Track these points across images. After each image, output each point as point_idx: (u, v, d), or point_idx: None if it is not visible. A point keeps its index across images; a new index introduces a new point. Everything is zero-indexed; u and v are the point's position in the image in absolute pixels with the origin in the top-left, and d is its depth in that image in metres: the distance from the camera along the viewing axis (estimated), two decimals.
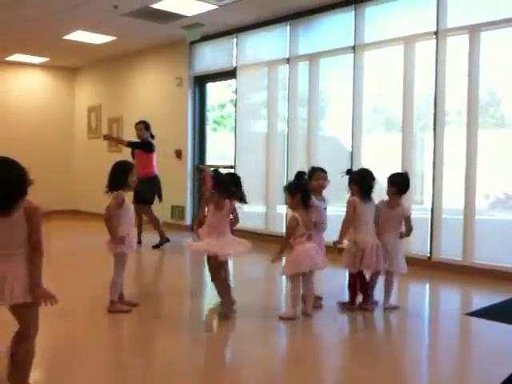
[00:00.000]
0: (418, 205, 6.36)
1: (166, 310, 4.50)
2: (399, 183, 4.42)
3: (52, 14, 7.40)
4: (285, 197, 4.77)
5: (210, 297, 4.76)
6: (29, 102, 11.17)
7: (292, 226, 4.00)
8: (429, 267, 5.98)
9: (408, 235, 4.45)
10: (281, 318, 4.02)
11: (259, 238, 7.35)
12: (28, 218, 2.48)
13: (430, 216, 6.06)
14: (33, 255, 2.51)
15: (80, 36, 8.58)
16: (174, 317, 4.15)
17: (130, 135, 8.14)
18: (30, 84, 11.25)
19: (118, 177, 4.13)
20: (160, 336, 3.73)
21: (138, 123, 7.61)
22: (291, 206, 4.12)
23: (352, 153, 6.75)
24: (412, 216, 6.18)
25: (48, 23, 7.85)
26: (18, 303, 2.46)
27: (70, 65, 11.37)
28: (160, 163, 8.62)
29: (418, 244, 6.17)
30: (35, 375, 2.88)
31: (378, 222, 4.37)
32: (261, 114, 8.17)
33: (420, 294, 5.37)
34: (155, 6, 6.91)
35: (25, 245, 2.49)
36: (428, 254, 6.08)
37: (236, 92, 8.30)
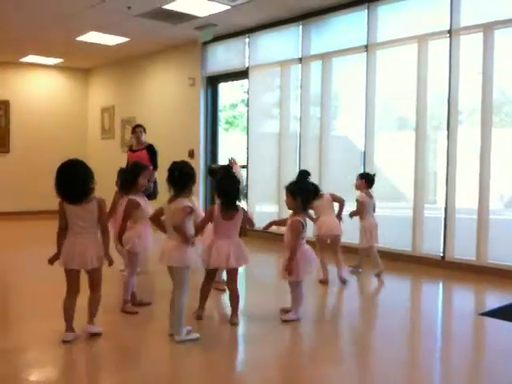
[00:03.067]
0: (431, 204, 6.33)
1: None
2: (371, 179, 5.45)
3: (66, 16, 7.47)
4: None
5: (222, 298, 4.77)
6: (43, 103, 11.27)
7: (300, 229, 3.93)
8: (442, 267, 5.95)
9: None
10: (284, 321, 3.99)
11: (272, 238, 7.35)
12: (99, 206, 3.45)
13: (443, 216, 6.03)
14: (103, 233, 3.51)
15: (93, 37, 8.65)
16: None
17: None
18: (44, 85, 11.35)
19: (129, 179, 4.22)
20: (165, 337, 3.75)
21: (138, 126, 7.57)
22: (290, 207, 4.05)
23: (365, 152, 6.73)
24: (425, 216, 6.21)
25: (62, 25, 7.92)
26: (93, 267, 3.46)
27: (84, 66, 11.46)
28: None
29: (431, 244, 6.14)
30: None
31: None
32: (273, 114, 8.18)
33: (433, 293, 5.34)
34: (168, 6, 6.95)
35: (96, 226, 3.47)
36: (441, 254, 6.05)
37: (248, 92, 8.32)
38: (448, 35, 5.93)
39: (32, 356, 3.40)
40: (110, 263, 3.56)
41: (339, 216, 5.25)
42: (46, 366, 3.28)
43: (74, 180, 3.37)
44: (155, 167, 7.11)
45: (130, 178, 4.24)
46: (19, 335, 3.80)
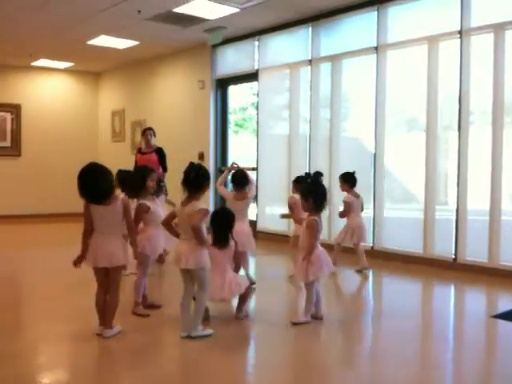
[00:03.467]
0: (442, 206, 6.29)
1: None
2: (349, 178, 5.69)
3: (77, 20, 7.52)
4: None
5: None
6: (54, 107, 11.35)
7: (316, 228, 3.92)
8: (454, 269, 5.90)
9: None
10: (294, 324, 3.95)
11: (282, 240, 7.35)
12: (124, 206, 3.59)
13: (454, 217, 5.99)
14: (130, 233, 3.68)
15: (104, 41, 8.70)
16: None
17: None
18: (55, 89, 11.43)
19: (137, 182, 4.25)
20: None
21: (148, 129, 7.59)
22: (304, 209, 4.07)
23: (375, 154, 6.71)
24: (436, 217, 6.17)
25: (73, 29, 7.97)
26: (117, 265, 3.59)
27: (94, 69, 11.53)
28: (182, 166, 8.68)
29: (442, 246, 6.10)
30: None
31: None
32: (282, 116, 8.18)
33: (445, 296, 5.30)
34: (178, 10, 6.98)
35: (120, 226, 3.61)
36: (453, 256, 6.01)
37: (258, 94, 8.32)
38: (459, 36, 5.90)
39: (44, 358, 3.42)
40: (139, 262, 4.00)
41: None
42: (57, 367, 3.30)
43: (96, 180, 3.50)
44: (165, 169, 7.16)
45: (139, 181, 4.26)
46: (31, 337, 3.82)
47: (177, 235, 3.72)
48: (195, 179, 3.61)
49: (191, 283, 3.70)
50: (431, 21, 6.14)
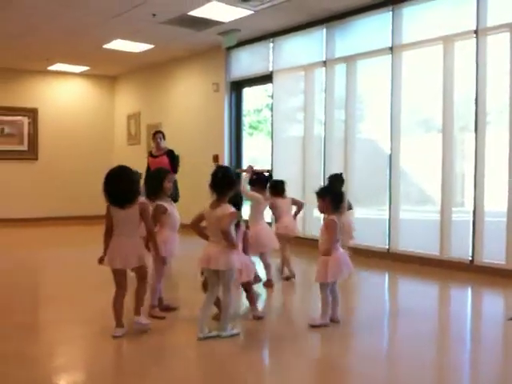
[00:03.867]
0: (459, 207, 6.23)
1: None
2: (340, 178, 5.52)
3: (92, 24, 7.59)
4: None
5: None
6: (70, 110, 11.47)
7: (335, 228, 3.89)
8: (471, 271, 5.84)
9: None
10: (312, 326, 3.93)
11: (296, 242, 7.33)
12: (141, 211, 3.67)
13: (471, 219, 5.93)
14: (149, 237, 3.81)
15: (119, 45, 8.77)
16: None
17: (169, 141, 8.25)
18: (71, 92, 11.55)
19: (154, 184, 4.27)
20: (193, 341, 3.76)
21: (157, 133, 7.67)
22: (321, 210, 4.05)
23: (391, 155, 6.67)
24: (453, 219, 6.11)
25: (88, 33, 8.05)
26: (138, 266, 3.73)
27: (110, 73, 11.62)
28: (197, 168, 8.71)
29: (459, 248, 6.04)
30: None
31: None
32: (297, 118, 8.17)
33: (462, 298, 5.24)
34: (192, 13, 7.01)
35: (137, 228, 3.71)
36: (470, 258, 5.94)
37: (272, 96, 8.32)
38: (474, 35, 5.84)
39: (61, 360, 3.45)
40: (163, 262, 4.07)
41: (295, 216, 5.76)
42: (74, 369, 3.32)
43: (120, 184, 3.62)
44: (175, 172, 7.19)
45: (156, 183, 4.28)
46: (49, 338, 3.86)
47: (206, 237, 3.75)
48: (222, 180, 3.65)
49: (217, 285, 3.72)
50: (446, 20, 6.09)
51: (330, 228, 3.91)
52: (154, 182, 4.31)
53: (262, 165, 8.73)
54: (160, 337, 3.81)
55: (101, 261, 3.73)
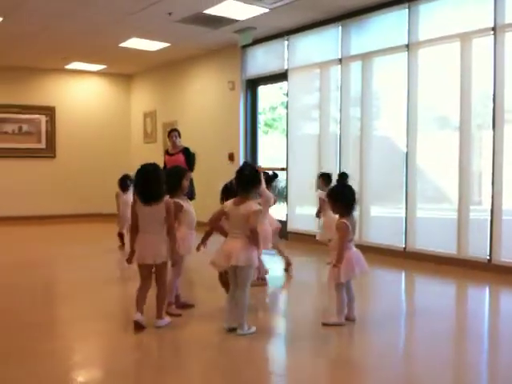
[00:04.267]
0: (476, 205, 6.16)
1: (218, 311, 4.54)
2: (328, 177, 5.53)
3: (109, 23, 7.64)
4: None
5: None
6: (87, 109, 11.56)
7: (345, 230, 3.88)
8: (488, 270, 5.78)
9: None
10: (324, 325, 3.93)
11: (311, 241, 7.32)
12: (167, 208, 3.78)
13: (489, 217, 5.87)
14: (169, 233, 3.81)
15: (135, 43, 8.82)
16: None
17: (185, 139, 8.29)
18: (88, 91, 11.65)
19: (172, 182, 4.25)
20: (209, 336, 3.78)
21: (172, 131, 7.68)
22: (333, 211, 4.06)
23: (407, 153, 6.63)
24: (470, 217, 6.05)
25: (105, 32, 8.11)
26: (162, 261, 3.83)
27: (126, 71, 11.69)
28: (213, 166, 8.74)
29: (477, 246, 5.98)
30: None
31: None
32: (312, 116, 8.15)
33: (479, 297, 5.21)
34: (208, 11, 7.02)
35: (162, 226, 3.79)
36: (488, 257, 5.88)
37: (287, 94, 8.31)
38: (492, 32, 5.77)
39: (79, 356, 3.49)
40: (173, 264, 3.96)
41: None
42: (93, 366, 3.36)
43: (148, 182, 3.77)
44: (191, 169, 7.21)
45: (174, 181, 4.27)
46: (67, 335, 3.91)
47: (225, 234, 3.81)
48: (248, 177, 3.74)
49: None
50: (464, 17, 6.03)
51: (340, 231, 3.89)
52: (173, 179, 4.26)
53: (277, 163, 8.75)
54: (177, 332, 3.84)
55: (130, 260, 3.85)
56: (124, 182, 7.56)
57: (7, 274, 5.91)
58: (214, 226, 3.85)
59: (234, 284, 3.78)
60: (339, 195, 3.98)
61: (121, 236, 7.30)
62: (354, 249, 4.00)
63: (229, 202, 3.77)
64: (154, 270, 3.90)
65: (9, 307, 4.55)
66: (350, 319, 4.02)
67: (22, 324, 4.06)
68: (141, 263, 3.84)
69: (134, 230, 3.87)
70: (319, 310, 4.52)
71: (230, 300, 3.81)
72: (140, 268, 3.87)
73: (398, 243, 6.69)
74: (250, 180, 3.73)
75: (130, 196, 7.06)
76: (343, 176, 4.12)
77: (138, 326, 3.78)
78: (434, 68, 6.46)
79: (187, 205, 4.31)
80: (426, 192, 6.68)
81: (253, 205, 3.66)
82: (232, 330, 3.72)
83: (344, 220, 3.90)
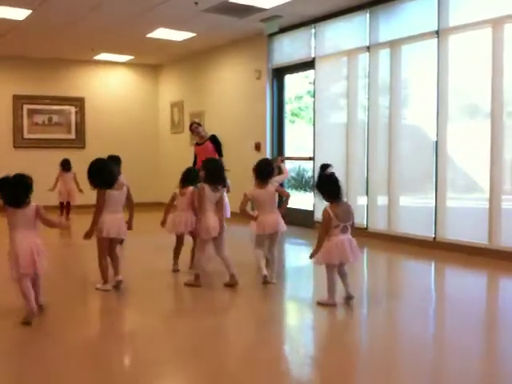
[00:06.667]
0: (508, 195, 6.02)
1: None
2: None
3: (135, 14, 7.68)
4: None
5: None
6: (115, 99, 11.69)
7: (324, 219, 4.13)
8: None
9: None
10: (319, 304, 4.18)
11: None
12: (127, 191, 4.75)
13: None
14: (130, 210, 4.81)
15: (162, 33, 8.85)
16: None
17: (212, 129, 8.31)
18: (116, 82, 11.76)
19: (221, 173, 4.86)
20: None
21: (192, 124, 7.86)
22: (326, 201, 4.23)
23: (437, 142, 6.52)
24: (502, 207, 5.93)
25: (132, 23, 8.16)
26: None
27: (154, 62, 11.76)
28: (239, 156, 8.74)
29: (509, 237, 5.86)
30: None
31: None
32: (340, 105, 8.06)
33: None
34: (234, 0, 6.99)
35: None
36: None
37: (314, 83, 8.24)
38: None
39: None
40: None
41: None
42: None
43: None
44: (220, 155, 7.28)
45: (221, 172, 4.83)
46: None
47: (252, 218, 4.83)
48: (266, 169, 4.85)
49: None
50: (495, 2, 5.87)
51: (322, 219, 4.17)
52: (220, 171, 4.83)
53: (303, 152, 8.71)
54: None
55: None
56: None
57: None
58: (243, 212, 4.72)
59: (267, 247, 4.85)
60: (321, 187, 4.22)
61: None
62: (342, 236, 4.10)
63: (251, 190, 4.78)
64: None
65: None
66: (348, 297, 4.22)
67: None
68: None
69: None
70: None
71: (263, 259, 4.84)
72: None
73: (428, 233, 6.61)
74: (267, 171, 4.82)
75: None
76: (323, 167, 4.27)
77: None
78: (464, 55, 6.32)
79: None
80: (456, 181, 6.56)
81: (272, 185, 4.80)
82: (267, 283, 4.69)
83: (327, 208, 4.11)
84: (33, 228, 3.74)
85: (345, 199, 4.26)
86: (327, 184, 4.19)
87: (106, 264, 4.59)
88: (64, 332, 3.65)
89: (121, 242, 5.53)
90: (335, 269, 4.16)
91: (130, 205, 4.75)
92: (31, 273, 3.70)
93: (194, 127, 7.65)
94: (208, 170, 4.72)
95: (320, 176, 4.29)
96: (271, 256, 4.87)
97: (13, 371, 3.07)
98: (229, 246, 4.82)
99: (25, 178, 3.72)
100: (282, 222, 4.78)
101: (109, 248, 4.63)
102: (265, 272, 4.70)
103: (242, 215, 4.74)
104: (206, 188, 4.64)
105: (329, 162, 4.42)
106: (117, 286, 4.58)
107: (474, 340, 3.57)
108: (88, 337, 3.63)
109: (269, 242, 4.86)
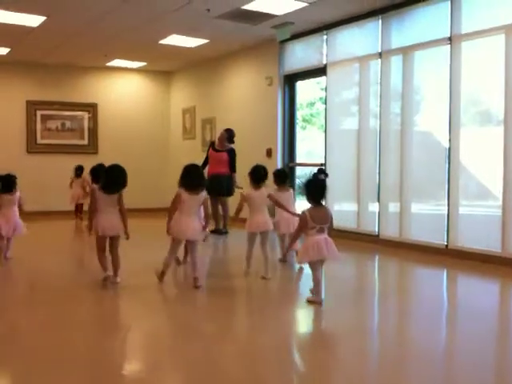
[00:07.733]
0: None
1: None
2: (278, 174, 6.07)
3: (148, 21, 7.74)
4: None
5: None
6: (128, 105, 11.76)
7: (300, 220, 4.39)
8: None
9: None
10: (308, 302, 4.35)
11: (351, 237, 7.26)
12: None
13: None
14: (122, 214, 5.19)
15: (175, 40, 8.91)
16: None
17: None
18: (129, 88, 11.84)
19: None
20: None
21: (227, 130, 8.01)
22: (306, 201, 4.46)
23: (449, 148, 6.48)
24: None
25: (145, 29, 8.22)
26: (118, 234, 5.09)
27: (166, 68, 11.82)
28: (250, 162, 8.75)
29: None
30: None
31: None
32: (351, 111, 8.05)
33: None
34: (246, 7, 7.02)
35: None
36: None
37: (326, 89, 8.24)
38: None
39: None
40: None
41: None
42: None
43: (200, 176, 5.09)
44: (233, 170, 7.46)
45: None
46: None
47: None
48: (264, 175, 5.36)
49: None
50: (509, 8, 5.83)
51: (299, 219, 4.47)
52: (200, 177, 5.03)
53: (314, 159, 8.69)
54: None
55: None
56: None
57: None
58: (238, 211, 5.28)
59: (252, 246, 5.28)
60: (308, 187, 4.41)
61: None
62: (318, 236, 4.26)
63: (248, 192, 5.29)
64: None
65: None
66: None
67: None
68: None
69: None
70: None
71: (251, 257, 5.28)
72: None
73: (440, 241, 6.56)
74: (263, 176, 5.33)
75: None
76: (319, 171, 4.45)
77: None
78: (477, 61, 6.28)
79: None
80: (468, 188, 6.51)
81: (265, 188, 5.30)
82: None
83: (305, 211, 4.32)
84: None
85: (323, 203, 4.53)
86: (314, 187, 4.39)
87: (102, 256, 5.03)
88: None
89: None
90: (319, 267, 4.32)
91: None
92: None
93: (223, 135, 7.87)
94: (186, 176, 4.86)
95: (311, 177, 4.46)
96: (264, 252, 5.23)
97: None
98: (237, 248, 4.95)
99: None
100: (270, 221, 5.27)
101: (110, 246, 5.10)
102: (247, 268, 5.27)
103: (236, 213, 5.29)
104: (183, 193, 4.82)
105: (327, 171, 4.65)
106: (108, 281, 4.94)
107: (486, 350, 3.52)
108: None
109: (260, 240, 5.27)
